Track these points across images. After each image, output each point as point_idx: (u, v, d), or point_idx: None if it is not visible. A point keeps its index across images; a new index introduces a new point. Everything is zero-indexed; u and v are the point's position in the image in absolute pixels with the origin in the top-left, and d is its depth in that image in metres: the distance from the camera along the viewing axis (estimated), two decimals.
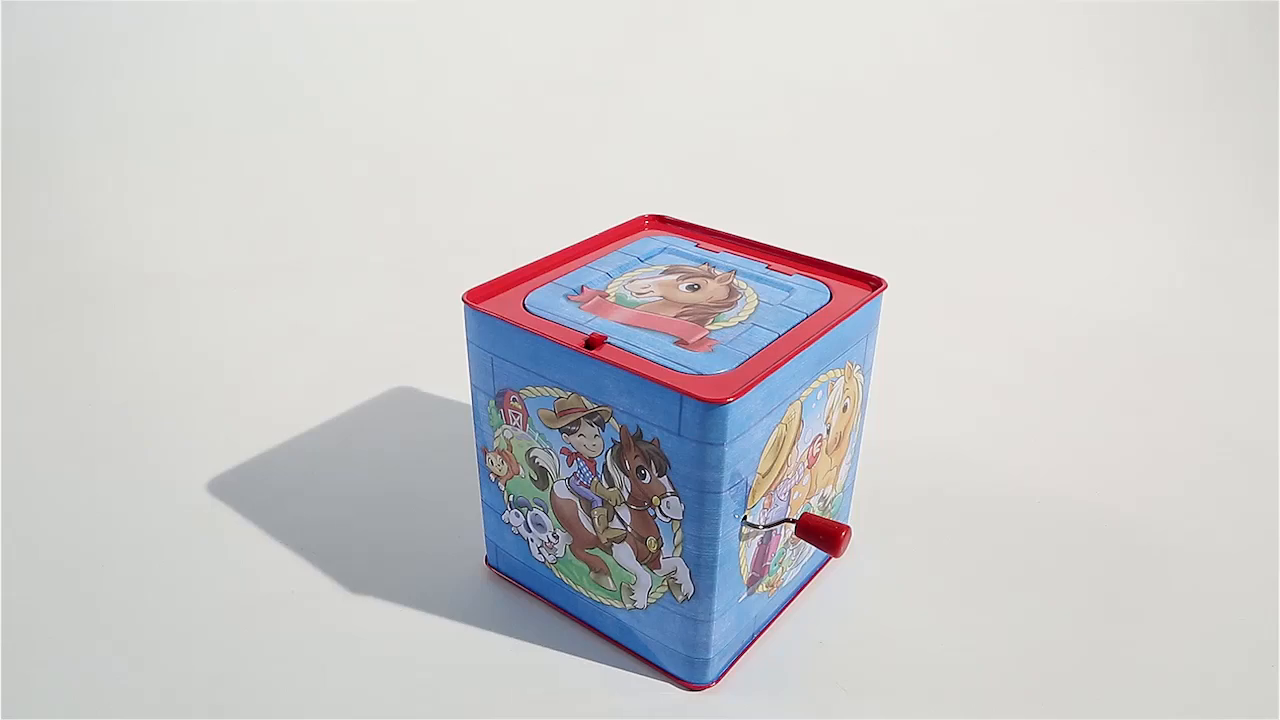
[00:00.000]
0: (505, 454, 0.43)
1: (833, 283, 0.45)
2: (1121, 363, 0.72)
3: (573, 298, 0.43)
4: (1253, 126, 1.12)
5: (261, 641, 0.44)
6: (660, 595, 0.41)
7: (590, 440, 0.39)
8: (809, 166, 1.09)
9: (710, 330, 0.40)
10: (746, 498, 0.38)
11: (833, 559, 0.50)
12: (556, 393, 0.39)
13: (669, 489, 0.37)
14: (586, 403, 0.38)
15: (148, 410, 0.63)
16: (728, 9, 1.21)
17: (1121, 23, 1.19)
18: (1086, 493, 0.56)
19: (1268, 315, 0.80)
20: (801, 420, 0.40)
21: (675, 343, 0.39)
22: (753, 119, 1.15)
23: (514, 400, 0.41)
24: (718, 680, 0.42)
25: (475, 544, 0.49)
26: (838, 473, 0.47)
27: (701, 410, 0.35)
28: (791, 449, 0.40)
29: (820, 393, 0.41)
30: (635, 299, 0.43)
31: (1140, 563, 0.50)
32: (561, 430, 0.40)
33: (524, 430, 0.42)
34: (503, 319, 0.40)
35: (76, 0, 1.01)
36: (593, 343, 0.38)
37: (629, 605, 0.42)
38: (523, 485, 0.43)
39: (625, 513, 0.40)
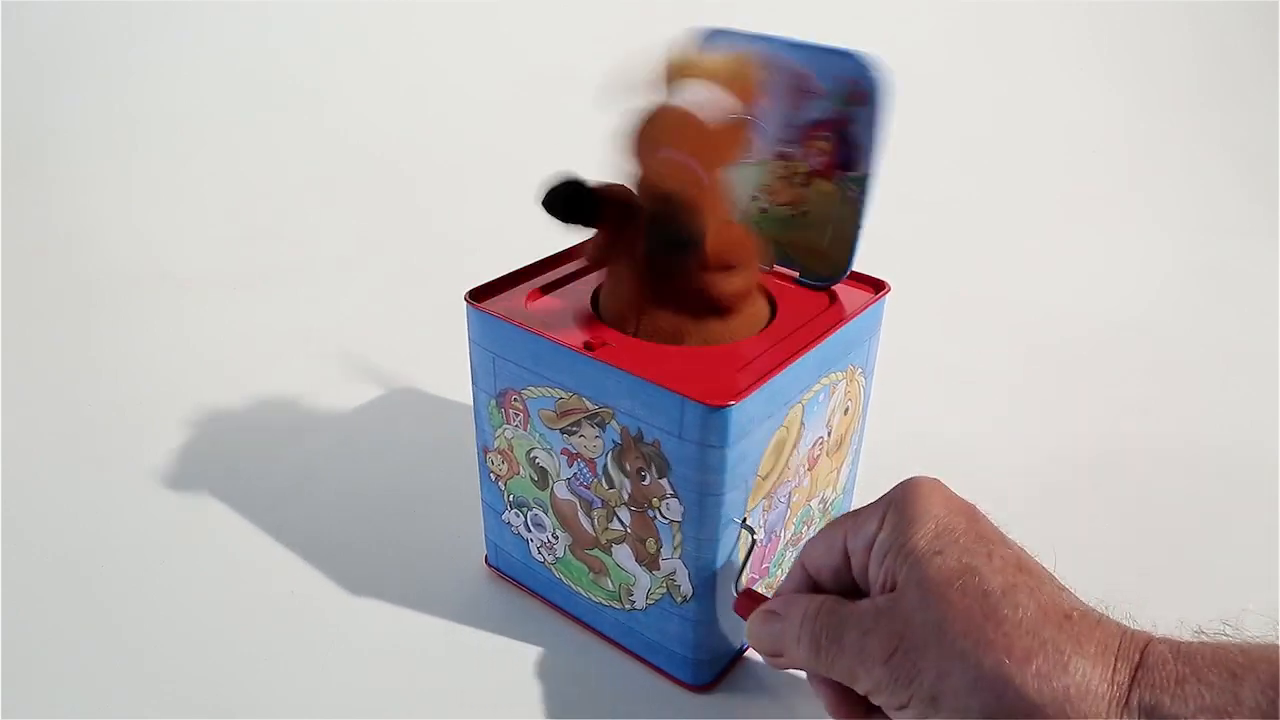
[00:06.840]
0: (506, 454, 0.43)
1: (835, 285, 0.45)
2: (1122, 363, 0.72)
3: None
4: (1253, 126, 1.12)
5: (261, 641, 0.44)
6: (659, 596, 0.41)
7: (591, 441, 0.39)
8: None
9: None
10: (746, 500, 0.38)
11: None
12: (558, 393, 0.39)
13: (669, 491, 0.37)
14: (588, 404, 0.38)
15: (148, 410, 0.63)
16: (728, 9, 1.21)
17: (1121, 23, 1.19)
18: (1087, 493, 0.56)
19: (1268, 315, 0.80)
20: (803, 423, 0.40)
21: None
22: None
23: (515, 400, 0.41)
24: (716, 681, 0.42)
25: (475, 544, 0.49)
26: (838, 475, 0.47)
27: (703, 413, 0.35)
28: (792, 452, 0.40)
29: (822, 396, 0.41)
30: None
31: (1140, 562, 0.50)
32: (562, 431, 0.40)
33: (525, 430, 0.42)
34: (504, 319, 0.40)
35: (76, 0, 1.01)
36: (594, 343, 0.38)
37: (628, 606, 0.42)
38: (523, 485, 0.43)
39: (625, 514, 0.40)
